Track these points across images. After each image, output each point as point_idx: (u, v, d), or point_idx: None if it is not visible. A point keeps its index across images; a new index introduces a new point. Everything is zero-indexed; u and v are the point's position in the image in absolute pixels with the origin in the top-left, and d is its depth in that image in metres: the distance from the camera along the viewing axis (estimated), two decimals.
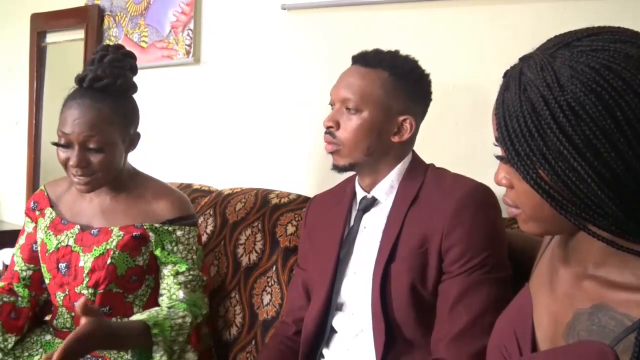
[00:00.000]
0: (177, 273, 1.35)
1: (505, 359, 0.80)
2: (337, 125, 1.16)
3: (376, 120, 1.14)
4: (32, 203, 1.47)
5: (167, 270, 1.36)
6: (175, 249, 1.36)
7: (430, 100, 1.22)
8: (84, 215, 1.40)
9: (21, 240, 1.47)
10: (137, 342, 1.21)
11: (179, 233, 1.37)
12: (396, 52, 1.19)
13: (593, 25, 0.68)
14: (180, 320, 1.26)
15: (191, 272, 1.36)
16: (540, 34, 0.73)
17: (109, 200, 1.40)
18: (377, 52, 1.17)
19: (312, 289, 1.26)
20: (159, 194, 1.40)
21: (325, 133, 1.17)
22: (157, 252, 1.36)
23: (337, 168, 1.19)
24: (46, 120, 2.69)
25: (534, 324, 0.78)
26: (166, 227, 1.36)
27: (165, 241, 1.36)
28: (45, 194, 1.46)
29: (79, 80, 1.30)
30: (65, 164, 1.30)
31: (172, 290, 1.34)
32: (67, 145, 1.27)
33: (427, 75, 1.19)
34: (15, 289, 1.43)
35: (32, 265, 1.44)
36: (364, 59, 1.16)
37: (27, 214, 1.48)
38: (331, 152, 1.18)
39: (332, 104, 1.20)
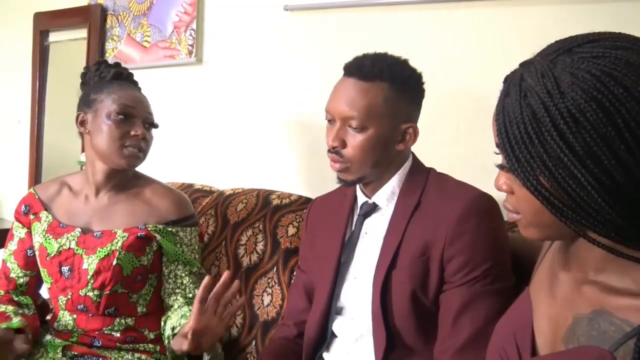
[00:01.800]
0: (191, 272, 1.39)
1: None
2: (343, 144, 1.12)
3: (382, 134, 1.11)
4: (23, 207, 1.46)
5: (180, 271, 1.38)
6: (180, 250, 1.38)
7: (424, 97, 1.19)
8: (81, 217, 1.40)
9: (12, 246, 1.46)
10: None
11: (181, 234, 1.39)
12: (389, 57, 1.15)
13: (595, 30, 0.68)
14: None
15: (201, 271, 1.41)
16: (542, 38, 0.73)
17: (106, 200, 1.40)
18: (373, 63, 1.11)
19: (313, 292, 1.26)
20: (159, 193, 1.42)
21: (331, 152, 1.14)
22: (170, 248, 1.37)
23: (346, 183, 1.17)
24: (48, 119, 2.70)
25: (533, 328, 0.78)
26: (169, 229, 1.38)
27: (169, 240, 1.37)
28: (37, 197, 1.45)
29: (118, 74, 1.44)
30: (122, 136, 1.34)
31: (187, 289, 1.38)
32: (132, 117, 1.36)
33: (420, 75, 1.17)
34: (15, 298, 1.43)
35: (28, 272, 1.44)
36: (361, 72, 1.11)
37: (17, 219, 1.46)
38: (339, 171, 1.15)
39: (330, 120, 1.15)
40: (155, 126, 1.42)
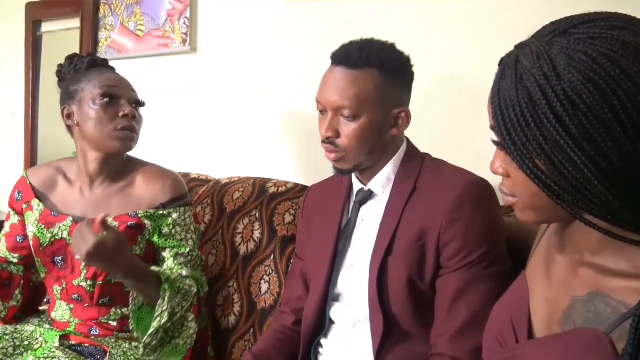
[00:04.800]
0: (178, 254, 1.37)
1: (501, 345, 0.80)
2: (337, 134, 1.12)
3: (375, 121, 1.10)
4: (16, 193, 1.46)
5: (167, 253, 1.37)
6: (173, 231, 1.37)
7: (414, 80, 1.18)
8: (77, 207, 1.40)
9: (6, 227, 1.47)
10: (149, 286, 1.25)
11: (175, 216, 1.38)
12: (376, 43, 1.13)
13: (590, 11, 0.67)
14: (187, 287, 1.30)
15: (191, 253, 1.39)
16: (536, 21, 0.72)
17: (100, 192, 1.40)
18: (360, 50, 1.10)
19: (310, 279, 1.26)
20: (150, 178, 1.41)
21: (325, 143, 1.13)
22: (155, 239, 1.36)
23: (342, 172, 1.17)
24: (43, 110, 2.68)
25: (530, 311, 0.78)
26: (161, 212, 1.37)
27: (162, 226, 1.36)
28: (28, 182, 1.45)
29: (92, 62, 1.43)
30: (111, 118, 1.34)
31: (174, 269, 1.36)
32: (117, 98, 1.36)
33: (409, 58, 1.15)
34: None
35: (16, 255, 1.46)
36: (349, 60, 1.09)
37: (11, 206, 1.47)
38: (335, 160, 1.15)
39: (322, 110, 1.14)
40: (142, 104, 1.42)
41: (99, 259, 1.13)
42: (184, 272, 1.36)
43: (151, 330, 1.22)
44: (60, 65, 1.47)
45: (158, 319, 1.23)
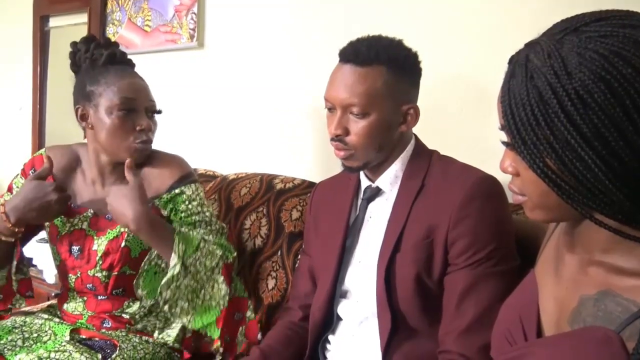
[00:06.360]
0: (197, 225, 1.36)
1: (509, 344, 0.80)
2: (346, 132, 1.11)
3: (384, 118, 1.10)
4: (32, 171, 1.43)
5: (185, 229, 1.35)
6: (190, 206, 1.37)
7: (421, 76, 1.18)
8: (97, 202, 1.39)
9: (7, 197, 1.40)
10: (166, 240, 1.25)
11: (188, 192, 1.38)
12: (384, 39, 1.13)
13: (597, 9, 0.67)
14: (211, 248, 1.29)
15: (211, 222, 1.38)
16: (544, 19, 0.72)
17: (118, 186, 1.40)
18: (368, 47, 1.09)
19: (318, 276, 1.26)
20: (158, 165, 1.40)
21: (334, 140, 1.13)
22: (172, 217, 1.36)
23: (351, 170, 1.17)
24: (50, 105, 2.69)
25: (539, 309, 0.78)
26: (172, 193, 1.37)
27: (178, 204, 1.36)
28: None
29: (111, 56, 1.38)
30: (128, 132, 1.32)
31: (197, 235, 1.34)
32: (135, 110, 1.33)
33: (416, 54, 1.15)
34: None
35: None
36: (357, 57, 1.09)
37: (23, 176, 1.44)
38: (344, 158, 1.15)
39: (330, 108, 1.14)
40: (159, 112, 1.40)
41: (143, 198, 1.24)
42: (210, 238, 1.35)
43: (165, 280, 1.23)
44: (74, 47, 1.41)
45: (172, 270, 1.23)
